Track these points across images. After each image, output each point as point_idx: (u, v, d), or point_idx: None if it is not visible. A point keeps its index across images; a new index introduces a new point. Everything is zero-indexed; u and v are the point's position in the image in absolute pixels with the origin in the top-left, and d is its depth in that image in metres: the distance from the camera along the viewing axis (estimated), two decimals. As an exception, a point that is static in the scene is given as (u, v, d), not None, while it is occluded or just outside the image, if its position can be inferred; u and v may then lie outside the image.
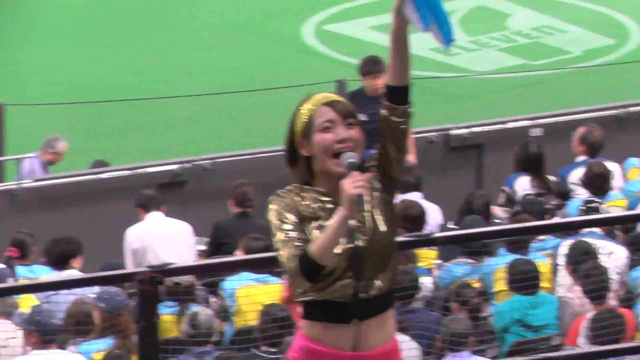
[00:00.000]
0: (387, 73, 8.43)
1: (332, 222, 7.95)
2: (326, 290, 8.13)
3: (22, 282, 16.26)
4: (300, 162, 8.27)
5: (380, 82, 20.70)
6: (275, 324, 14.48)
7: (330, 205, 8.12)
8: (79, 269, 16.57)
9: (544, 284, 15.76)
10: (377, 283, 8.14)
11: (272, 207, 8.24)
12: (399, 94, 8.23)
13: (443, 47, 8.71)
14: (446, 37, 8.55)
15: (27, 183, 20.94)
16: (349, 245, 8.06)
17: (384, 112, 8.11)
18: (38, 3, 32.60)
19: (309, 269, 8.01)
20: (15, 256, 17.14)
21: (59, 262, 16.46)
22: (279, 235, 8.14)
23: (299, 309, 13.28)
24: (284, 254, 8.11)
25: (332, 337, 8.18)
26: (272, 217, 8.23)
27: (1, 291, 14.52)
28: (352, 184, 7.85)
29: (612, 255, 16.05)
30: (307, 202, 8.22)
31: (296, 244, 8.10)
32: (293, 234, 8.10)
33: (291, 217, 8.14)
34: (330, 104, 8.19)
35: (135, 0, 32.81)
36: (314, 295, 8.16)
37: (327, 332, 8.20)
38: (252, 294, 15.78)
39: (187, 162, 21.23)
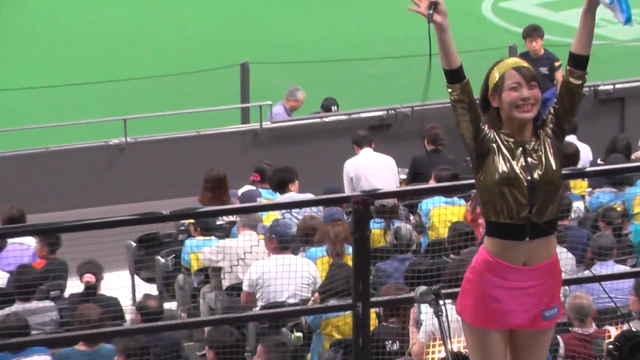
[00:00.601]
0: (574, 43, 8.31)
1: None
2: (506, 214, 8.09)
3: (264, 201, 16.38)
4: (491, 110, 8.23)
5: (537, 45, 20.89)
6: (460, 237, 14.44)
7: (512, 145, 8.14)
8: (296, 192, 16.66)
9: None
10: (548, 210, 8.13)
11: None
12: (580, 61, 8.23)
13: (622, 24, 8.54)
14: (625, 15, 8.37)
15: (268, 124, 21.07)
16: (528, 179, 8.08)
17: (559, 74, 8.33)
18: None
19: (448, 75, 8.16)
20: (257, 180, 17.48)
21: (279, 186, 16.62)
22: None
23: (482, 229, 13.35)
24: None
25: (508, 253, 8.15)
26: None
27: (251, 209, 14.89)
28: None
29: None
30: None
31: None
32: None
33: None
34: (517, 68, 8.18)
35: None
36: (495, 218, 8.13)
37: (504, 249, 8.14)
38: (443, 213, 15.85)
39: (392, 109, 21.20)
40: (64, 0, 29.16)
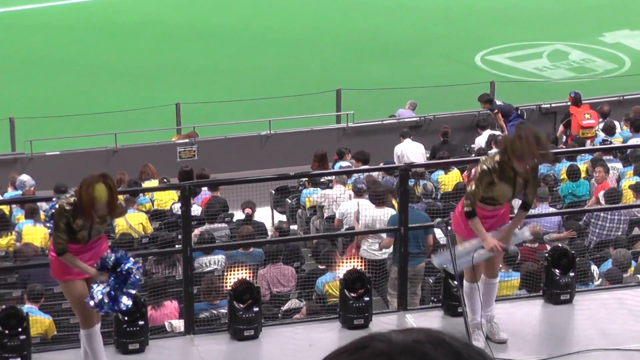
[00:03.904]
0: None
1: (481, 234, 7.82)
2: None
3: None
4: None
5: (485, 107, 20.03)
6: (460, 191, 14.25)
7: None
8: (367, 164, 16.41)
9: None
10: None
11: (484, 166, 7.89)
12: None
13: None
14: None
15: (352, 124, 20.40)
16: None
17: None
18: None
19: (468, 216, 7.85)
20: (335, 158, 16.74)
21: (362, 161, 16.28)
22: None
23: None
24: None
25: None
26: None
27: (341, 172, 14.64)
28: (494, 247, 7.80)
29: None
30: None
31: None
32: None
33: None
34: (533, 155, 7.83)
35: None
36: None
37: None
38: (442, 179, 15.42)
39: (422, 116, 20.36)
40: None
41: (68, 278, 7.49)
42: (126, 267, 7.38)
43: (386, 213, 12.38)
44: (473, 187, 7.94)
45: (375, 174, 15.10)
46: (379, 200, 12.55)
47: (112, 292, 7.31)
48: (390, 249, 12.00)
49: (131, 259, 7.55)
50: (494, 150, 8.05)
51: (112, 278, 7.39)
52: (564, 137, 18.46)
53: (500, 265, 11.26)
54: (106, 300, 7.31)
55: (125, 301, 7.35)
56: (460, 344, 1.60)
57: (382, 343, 1.60)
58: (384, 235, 12.12)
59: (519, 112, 19.49)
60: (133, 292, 7.47)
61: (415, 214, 11.48)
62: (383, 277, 11.81)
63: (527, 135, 7.79)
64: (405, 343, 1.59)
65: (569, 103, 18.94)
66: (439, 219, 8.38)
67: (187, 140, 19.68)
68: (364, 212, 12.56)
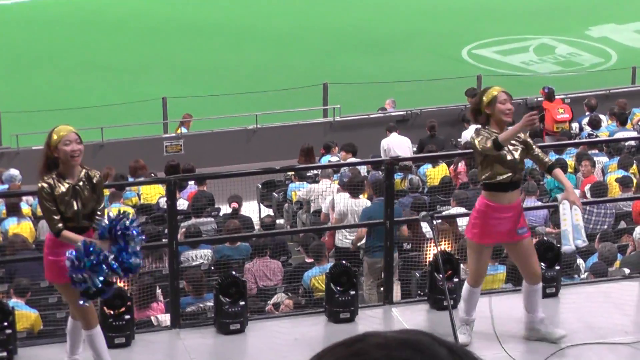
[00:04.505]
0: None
1: (513, 129, 7.50)
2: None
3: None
4: (482, 116, 7.70)
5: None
6: (445, 185, 14.30)
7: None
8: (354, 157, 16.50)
9: None
10: None
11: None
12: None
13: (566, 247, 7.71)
14: (568, 247, 7.61)
15: (338, 118, 20.55)
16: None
17: None
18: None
19: (496, 146, 7.46)
20: (322, 152, 17.00)
21: (351, 153, 16.33)
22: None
23: (460, 180, 12.71)
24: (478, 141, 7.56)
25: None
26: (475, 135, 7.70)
27: (327, 166, 14.67)
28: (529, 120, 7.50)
29: None
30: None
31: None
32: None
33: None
34: (505, 92, 7.68)
35: None
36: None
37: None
38: (430, 172, 15.43)
39: (409, 110, 20.46)
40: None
41: (67, 280, 7.12)
42: (122, 226, 6.96)
43: (360, 204, 12.47)
44: (480, 142, 7.60)
45: (361, 167, 15.13)
46: (354, 190, 12.57)
47: (120, 256, 6.90)
48: (364, 240, 12.12)
49: (125, 219, 7.06)
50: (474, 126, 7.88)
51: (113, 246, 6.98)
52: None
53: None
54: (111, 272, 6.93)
55: (136, 261, 7.01)
56: (452, 344, 1.68)
57: (379, 337, 1.65)
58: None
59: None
60: (138, 248, 7.03)
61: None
62: (357, 267, 11.89)
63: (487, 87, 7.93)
64: (402, 338, 1.65)
65: (541, 98, 19.00)
66: (424, 212, 8.35)
67: (182, 132, 19.53)
68: (338, 200, 12.58)
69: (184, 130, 19.92)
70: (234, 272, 9.35)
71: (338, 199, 12.78)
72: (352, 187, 12.75)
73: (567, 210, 7.76)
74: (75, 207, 7.08)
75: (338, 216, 12.64)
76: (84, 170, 7.20)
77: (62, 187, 7.08)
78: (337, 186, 14.08)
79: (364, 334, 1.68)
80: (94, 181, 7.19)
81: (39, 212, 12.79)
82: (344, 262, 9.51)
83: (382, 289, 11.47)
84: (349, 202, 12.64)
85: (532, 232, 12.42)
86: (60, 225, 7.06)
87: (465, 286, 8.15)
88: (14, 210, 13.11)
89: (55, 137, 7.04)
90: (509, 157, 7.67)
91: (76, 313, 7.37)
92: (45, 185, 7.08)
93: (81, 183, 7.13)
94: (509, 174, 7.69)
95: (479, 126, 7.91)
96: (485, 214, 7.76)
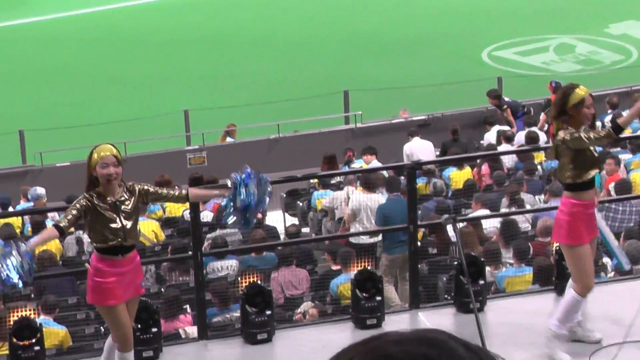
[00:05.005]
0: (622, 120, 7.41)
1: (632, 114, 7.28)
2: None
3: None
4: (565, 116, 7.39)
5: (493, 102, 20.03)
6: (469, 188, 14.31)
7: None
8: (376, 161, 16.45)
9: None
10: None
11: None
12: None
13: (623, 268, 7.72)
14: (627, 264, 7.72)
15: (360, 125, 20.51)
16: None
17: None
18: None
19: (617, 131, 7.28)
20: (350, 155, 17.21)
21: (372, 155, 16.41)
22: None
23: (484, 183, 12.59)
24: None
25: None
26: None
27: (349, 172, 14.66)
28: None
29: None
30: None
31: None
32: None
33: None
34: (590, 95, 7.45)
35: None
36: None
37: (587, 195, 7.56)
38: (454, 175, 15.40)
39: (430, 114, 20.47)
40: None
41: (109, 303, 7.18)
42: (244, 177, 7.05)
43: (373, 199, 12.54)
44: (589, 137, 7.39)
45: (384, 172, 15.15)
46: (368, 186, 12.72)
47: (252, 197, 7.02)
48: (379, 237, 12.18)
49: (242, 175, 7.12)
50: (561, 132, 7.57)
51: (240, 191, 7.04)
52: (546, 125, 18.44)
53: (512, 261, 11.30)
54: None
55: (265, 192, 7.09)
56: (466, 341, 1.70)
57: (396, 335, 1.68)
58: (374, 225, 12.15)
59: (525, 110, 19.48)
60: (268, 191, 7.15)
61: (402, 202, 11.74)
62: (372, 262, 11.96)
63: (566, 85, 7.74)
64: (419, 335, 1.67)
65: (544, 96, 18.96)
66: (446, 215, 8.33)
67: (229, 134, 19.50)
68: (352, 197, 12.70)
69: (230, 139, 20.04)
70: (259, 282, 9.38)
71: (351, 195, 12.91)
72: (366, 181, 12.87)
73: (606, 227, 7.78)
74: (118, 223, 7.13)
75: (351, 212, 12.78)
76: (124, 186, 7.27)
77: (103, 204, 7.16)
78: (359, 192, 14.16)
79: (380, 333, 1.72)
80: (136, 194, 7.26)
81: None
82: (369, 268, 9.52)
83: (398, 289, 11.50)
84: (361, 197, 12.75)
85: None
86: (62, 224, 7.09)
87: (573, 296, 7.77)
88: (39, 227, 13.21)
89: (95, 156, 7.13)
90: (595, 154, 7.64)
91: (117, 336, 7.39)
92: (83, 197, 7.17)
93: (122, 198, 7.21)
94: (596, 170, 7.67)
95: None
96: (577, 214, 7.57)
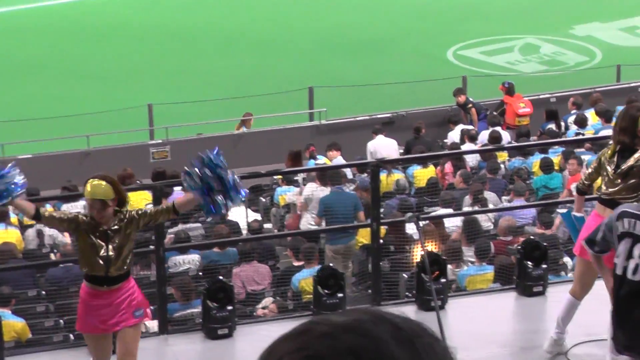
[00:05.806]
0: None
1: None
2: None
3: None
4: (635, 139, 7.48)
5: (461, 99, 20.04)
6: (432, 186, 14.32)
7: None
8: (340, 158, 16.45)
9: None
10: None
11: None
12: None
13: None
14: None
15: (324, 121, 20.49)
16: None
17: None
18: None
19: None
20: (311, 149, 17.14)
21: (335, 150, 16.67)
22: None
23: (446, 182, 12.68)
24: None
25: None
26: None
27: (312, 169, 14.62)
28: None
29: None
30: None
31: None
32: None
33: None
34: None
35: None
36: None
37: None
38: (418, 174, 15.33)
39: (395, 112, 20.39)
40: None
41: (77, 328, 7.13)
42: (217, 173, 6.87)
43: (326, 192, 12.72)
44: None
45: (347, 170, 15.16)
46: (324, 179, 13.09)
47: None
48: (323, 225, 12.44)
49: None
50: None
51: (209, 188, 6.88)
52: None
53: (474, 260, 11.35)
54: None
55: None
56: (400, 319, 1.65)
57: (323, 325, 1.63)
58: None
59: (487, 112, 19.62)
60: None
61: (345, 195, 12.21)
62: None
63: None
64: (346, 323, 1.62)
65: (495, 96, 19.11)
66: (409, 214, 8.39)
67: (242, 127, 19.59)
68: (307, 187, 13.26)
69: (244, 129, 19.95)
70: (221, 278, 9.35)
71: (307, 187, 13.12)
72: (324, 176, 13.01)
73: None
74: (104, 252, 7.02)
75: (304, 201, 12.98)
76: (119, 216, 7.16)
77: (94, 229, 7.05)
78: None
79: (309, 321, 1.67)
80: (131, 222, 7.15)
81: (26, 221, 12.82)
82: (331, 265, 9.53)
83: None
84: (315, 188, 13.05)
85: (521, 232, 12.54)
86: (41, 210, 7.09)
87: (569, 297, 7.91)
88: (2, 217, 13.09)
89: (87, 188, 7.06)
90: None
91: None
92: (81, 214, 7.15)
93: (115, 227, 7.12)
94: None
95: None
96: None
